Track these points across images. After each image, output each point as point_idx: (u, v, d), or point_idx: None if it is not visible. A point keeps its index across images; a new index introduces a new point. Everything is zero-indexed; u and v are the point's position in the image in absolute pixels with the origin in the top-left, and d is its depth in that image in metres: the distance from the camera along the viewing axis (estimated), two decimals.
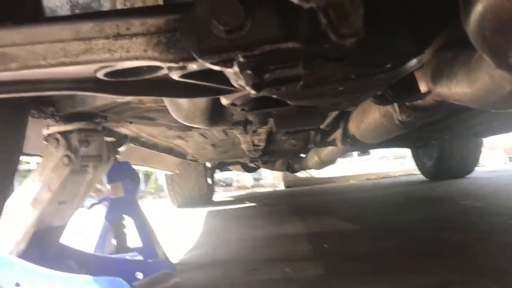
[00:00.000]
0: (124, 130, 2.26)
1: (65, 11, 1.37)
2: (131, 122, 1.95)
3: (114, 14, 0.72)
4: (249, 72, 0.68)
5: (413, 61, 0.97)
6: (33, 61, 0.62)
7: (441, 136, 4.17)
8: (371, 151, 9.78)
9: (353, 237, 2.51)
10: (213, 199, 6.44)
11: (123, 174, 2.26)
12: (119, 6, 1.32)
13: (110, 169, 2.05)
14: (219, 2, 0.63)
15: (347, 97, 1.08)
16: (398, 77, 1.02)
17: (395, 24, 0.82)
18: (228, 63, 0.66)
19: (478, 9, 0.66)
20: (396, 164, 9.43)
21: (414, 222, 2.69)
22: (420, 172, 6.09)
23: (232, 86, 0.86)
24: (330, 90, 0.96)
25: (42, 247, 1.77)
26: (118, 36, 0.66)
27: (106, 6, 1.35)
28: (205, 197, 5.95)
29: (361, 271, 1.70)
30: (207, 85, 0.91)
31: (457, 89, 1.22)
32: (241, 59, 0.65)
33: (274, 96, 0.87)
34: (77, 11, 1.37)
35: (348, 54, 0.70)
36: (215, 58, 0.66)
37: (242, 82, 0.76)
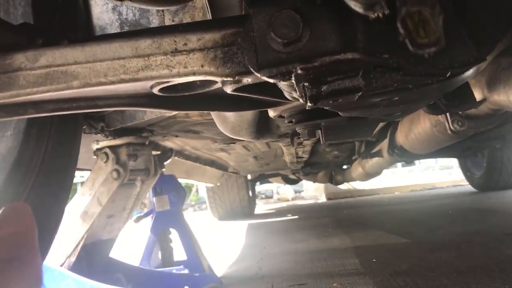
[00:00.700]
0: (169, 143, 2.30)
1: (114, 28, 1.41)
2: (177, 136, 1.97)
3: (172, 29, 0.72)
4: (306, 84, 0.66)
5: (473, 69, 0.93)
6: (94, 78, 0.63)
7: (492, 145, 4.01)
8: (416, 161, 9.52)
9: (401, 251, 2.43)
10: (254, 211, 6.43)
11: (168, 187, 2.29)
12: (167, 22, 1.35)
13: (156, 182, 2.07)
14: (276, 14, 0.62)
15: (401, 107, 1.04)
16: (456, 85, 0.98)
17: (454, 33, 0.79)
18: (286, 76, 0.65)
19: None
20: (442, 174, 9.13)
21: (465, 235, 2.59)
22: (468, 183, 5.87)
23: (284, 98, 0.84)
24: (385, 100, 0.93)
25: (91, 260, 1.80)
26: (175, 52, 0.66)
27: (154, 22, 1.38)
28: (246, 210, 5.94)
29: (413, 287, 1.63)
30: (258, 98, 0.90)
31: None
32: (299, 72, 0.63)
33: (325, 108, 0.85)
34: (126, 28, 1.40)
35: (405, 65, 0.67)
36: (273, 72, 0.65)
37: (296, 94, 0.74)
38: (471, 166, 5.65)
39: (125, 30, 1.37)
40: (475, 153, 4.40)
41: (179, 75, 0.66)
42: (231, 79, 0.70)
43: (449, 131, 1.64)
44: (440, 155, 4.60)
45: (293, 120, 1.29)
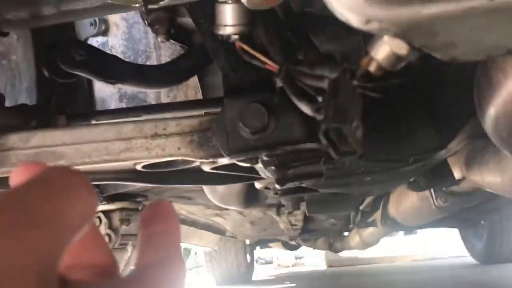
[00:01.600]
0: None
1: (114, 100, 1.51)
2: (171, 201, 2.01)
3: (159, 107, 0.80)
4: (272, 168, 0.72)
5: (441, 153, 1.00)
6: (79, 159, 0.69)
7: (489, 217, 3.99)
8: (418, 230, 9.40)
9: None
10: (252, 277, 6.30)
11: None
12: (163, 96, 1.44)
13: None
14: (245, 106, 0.70)
15: (375, 186, 1.10)
16: (425, 169, 1.04)
17: (417, 122, 0.87)
18: (253, 161, 0.72)
19: (491, 113, 0.70)
20: (444, 244, 8.99)
21: None
22: (469, 254, 5.77)
23: (260, 175, 0.91)
24: (358, 180, 0.99)
25: None
26: (155, 135, 0.73)
27: (151, 96, 1.48)
28: (244, 275, 5.82)
29: None
30: (238, 174, 0.96)
31: (489, 178, 1.22)
32: (265, 158, 0.70)
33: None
34: (125, 100, 1.50)
35: (366, 152, 0.74)
36: (242, 157, 0.71)
37: (268, 174, 0.81)
38: (472, 238, 5.57)
39: (124, 102, 1.47)
40: (474, 225, 4.37)
41: (157, 156, 0.73)
42: (206, 160, 0.76)
43: (433, 207, 1.68)
44: (438, 225, 4.57)
45: (278, 193, 1.35)
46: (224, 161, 0.79)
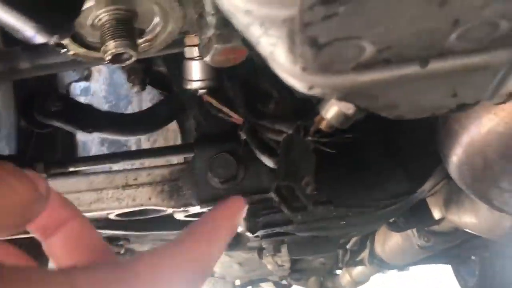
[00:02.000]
0: (147, 248, 2.31)
1: (95, 144, 1.52)
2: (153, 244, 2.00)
3: (131, 154, 0.81)
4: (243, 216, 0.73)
5: (415, 196, 1.01)
6: None
7: (480, 253, 3.98)
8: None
9: None
10: None
11: None
12: (143, 141, 1.46)
13: None
14: (214, 156, 0.71)
15: (352, 229, 1.11)
16: (401, 211, 1.06)
17: (387, 168, 0.88)
18: None
19: (453, 160, 0.72)
20: (438, 281, 8.88)
21: None
22: None
23: None
24: (333, 224, 1.00)
25: None
26: (126, 186, 0.74)
27: (131, 140, 1.50)
28: None
29: None
30: None
31: (466, 218, 1.23)
32: None
33: None
34: (106, 144, 1.52)
35: (335, 199, 0.75)
36: (212, 206, 0.72)
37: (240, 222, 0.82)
38: (465, 274, 5.51)
39: (105, 147, 1.48)
40: (465, 261, 4.35)
41: (127, 206, 0.73)
42: (178, 209, 0.77)
43: (416, 246, 1.69)
44: (428, 262, 4.54)
45: (258, 236, 1.34)
46: (196, 209, 0.80)
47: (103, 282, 0.22)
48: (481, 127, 0.62)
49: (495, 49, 0.37)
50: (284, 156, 0.51)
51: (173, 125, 1.37)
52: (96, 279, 0.22)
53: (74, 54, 0.60)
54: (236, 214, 0.32)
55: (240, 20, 0.30)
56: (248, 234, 0.75)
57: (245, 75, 0.71)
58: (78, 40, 0.57)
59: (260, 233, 0.78)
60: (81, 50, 0.60)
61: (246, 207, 0.33)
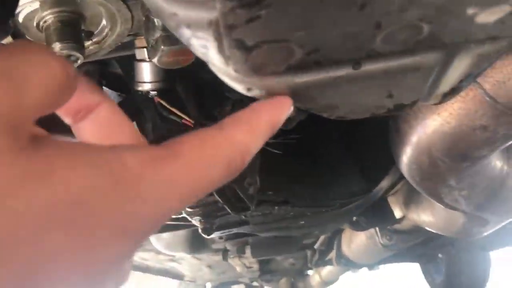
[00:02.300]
0: None
1: None
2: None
3: None
4: (198, 218, 0.73)
5: (373, 194, 1.03)
6: None
7: (446, 251, 4.08)
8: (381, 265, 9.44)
9: None
10: None
11: None
12: None
13: None
14: None
15: (313, 228, 1.12)
16: (358, 211, 1.08)
17: (343, 168, 0.90)
18: (178, 213, 0.72)
19: (403, 160, 0.74)
20: (407, 279, 9.05)
21: None
22: None
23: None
24: (293, 224, 1.01)
25: None
26: None
27: None
28: None
29: None
30: (174, 223, 0.96)
31: (424, 217, 1.26)
32: (188, 209, 0.71)
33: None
34: None
35: (292, 199, 0.76)
36: None
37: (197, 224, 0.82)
38: (433, 272, 5.64)
39: None
40: (432, 259, 4.45)
41: None
42: None
43: (379, 245, 1.72)
44: (396, 261, 4.62)
45: (222, 237, 1.35)
46: None
47: (150, 160, 0.22)
48: (426, 128, 0.64)
49: (422, 51, 0.38)
50: None
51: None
52: (143, 156, 0.22)
53: None
54: (279, 110, 0.32)
55: (168, 23, 0.31)
56: (204, 235, 0.75)
57: (202, 77, 0.72)
58: None
59: (217, 234, 0.78)
60: None
61: (291, 107, 0.34)
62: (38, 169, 0.19)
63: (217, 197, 0.50)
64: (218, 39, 0.30)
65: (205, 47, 0.32)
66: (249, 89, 0.40)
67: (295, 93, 0.40)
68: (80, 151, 0.21)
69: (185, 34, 0.31)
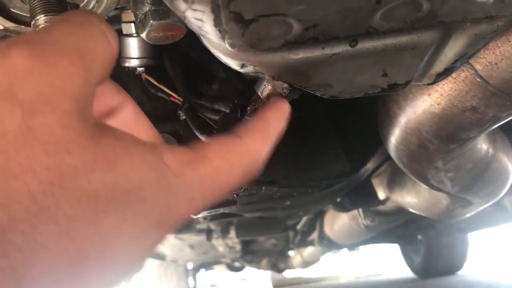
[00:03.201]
0: None
1: None
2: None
3: None
4: None
5: (358, 175, 1.04)
6: None
7: (425, 233, 4.16)
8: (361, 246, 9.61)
9: None
10: None
11: None
12: None
13: None
14: None
15: (297, 209, 1.13)
16: (343, 192, 1.08)
17: (330, 149, 0.90)
18: None
19: (391, 141, 0.74)
20: (387, 260, 9.25)
21: None
22: (409, 269, 5.97)
23: None
24: (279, 204, 1.01)
25: None
26: None
27: None
28: None
29: None
30: None
31: (407, 198, 1.28)
32: None
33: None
34: None
35: (279, 179, 0.76)
36: None
37: None
38: (411, 253, 5.77)
39: None
40: (411, 240, 4.54)
41: None
42: None
43: (362, 226, 1.74)
44: (377, 242, 4.71)
45: (206, 218, 1.34)
46: None
47: (186, 162, 0.24)
48: (416, 108, 0.64)
49: (420, 29, 0.38)
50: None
51: None
52: (181, 158, 0.24)
53: (3, 30, 0.57)
54: (283, 115, 0.33)
55: None
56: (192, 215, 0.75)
57: (189, 54, 0.70)
58: (5, 13, 0.54)
59: (203, 214, 0.78)
60: (10, 25, 0.57)
61: (290, 110, 0.35)
62: (105, 156, 0.21)
63: None
64: (215, 12, 0.29)
65: (201, 20, 0.31)
66: (243, 65, 0.39)
67: (290, 71, 0.40)
68: (134, 144, 0.22)
69: (181, 6, 0.30)
